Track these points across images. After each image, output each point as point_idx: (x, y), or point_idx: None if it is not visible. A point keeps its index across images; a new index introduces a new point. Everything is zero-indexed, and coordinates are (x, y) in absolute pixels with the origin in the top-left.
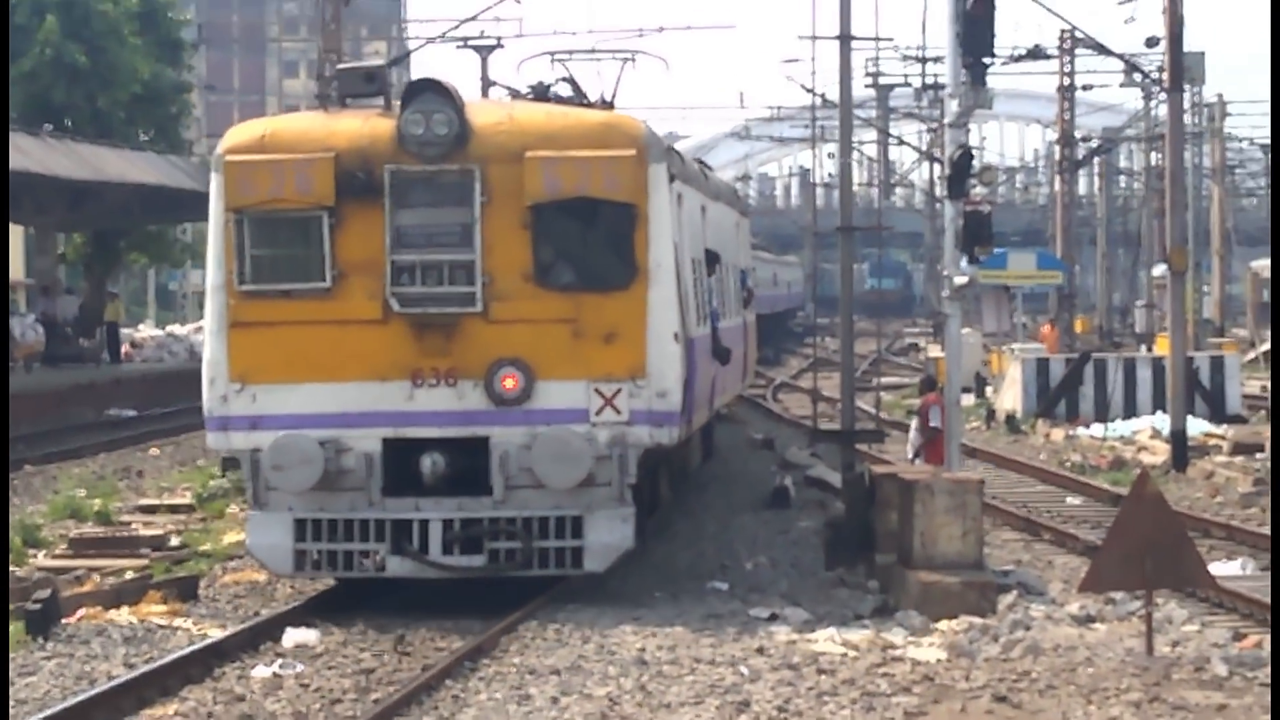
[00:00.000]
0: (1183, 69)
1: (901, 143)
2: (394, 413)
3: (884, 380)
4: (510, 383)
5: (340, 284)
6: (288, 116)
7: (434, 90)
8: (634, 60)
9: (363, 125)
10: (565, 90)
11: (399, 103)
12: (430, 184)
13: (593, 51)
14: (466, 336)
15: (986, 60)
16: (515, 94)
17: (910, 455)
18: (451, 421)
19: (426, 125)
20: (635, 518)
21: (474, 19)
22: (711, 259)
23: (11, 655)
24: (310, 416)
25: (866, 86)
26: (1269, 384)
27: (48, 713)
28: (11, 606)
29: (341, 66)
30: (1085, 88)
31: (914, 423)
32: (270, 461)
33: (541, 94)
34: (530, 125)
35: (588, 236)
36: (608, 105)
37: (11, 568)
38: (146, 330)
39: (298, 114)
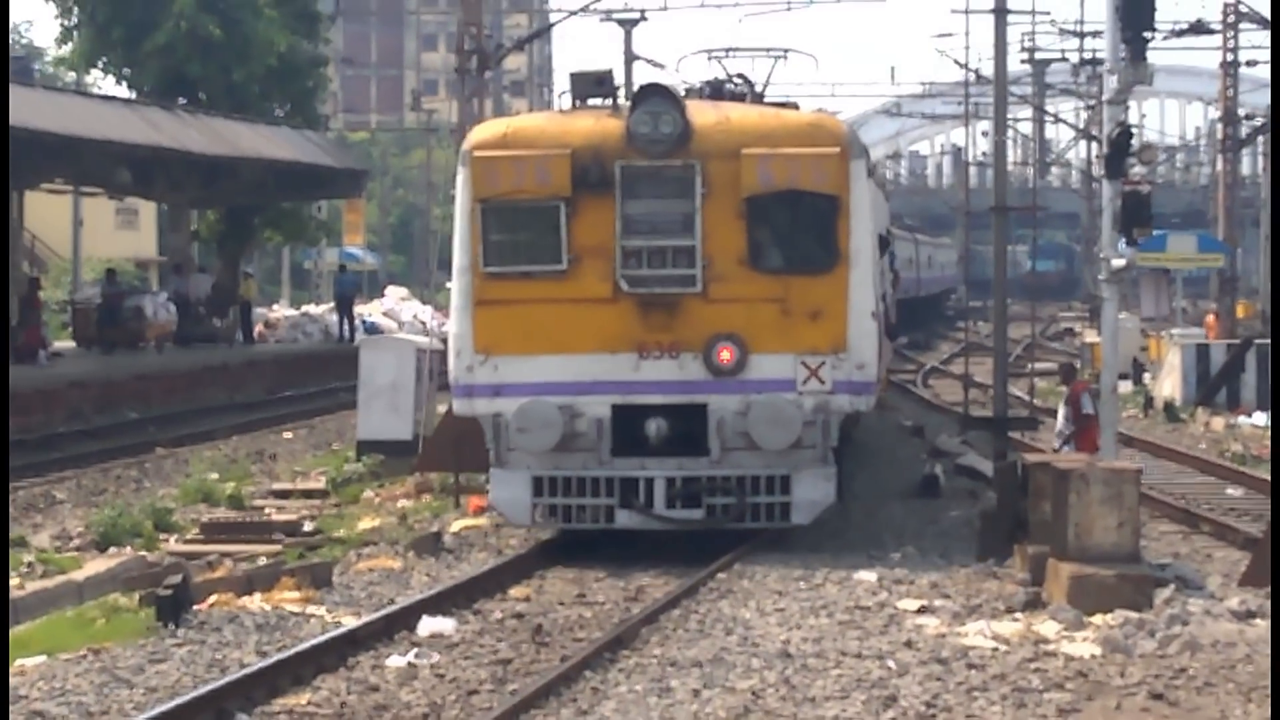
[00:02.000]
0: None
1: (1058, 120)
2: (622, 382)
3: (1038, 366)
4: (726, 355)
5: (575, 266)
6: (527, 116)
7: (660, 94)
8: (786, 57)
9: (595, 124)
10: (735, 84)
11: (627, 103)
12: (656, 177)
13: (747, 50)
14: (687, 314)
15: (1147, 35)
16: (656, 65)
17: (1057, 444)
18: (673, 390)
19: (654, 125)
20: (836, 477)
21: None
22: (883, 243)
23: (141, 642)
24: (548, 384)
25: (1022, 62)
26: None
27: (179, 701)
28: (142, 592)
29: (574, 71)
30: (1250, 63)
31: (1061, 411)
32: (515, 424)
33: (717, 89)
34: (745, 125)
35: (795, 225)
36: (759, 97)
37: (143, 553)
38: (281, 310)
39: (535, 114)
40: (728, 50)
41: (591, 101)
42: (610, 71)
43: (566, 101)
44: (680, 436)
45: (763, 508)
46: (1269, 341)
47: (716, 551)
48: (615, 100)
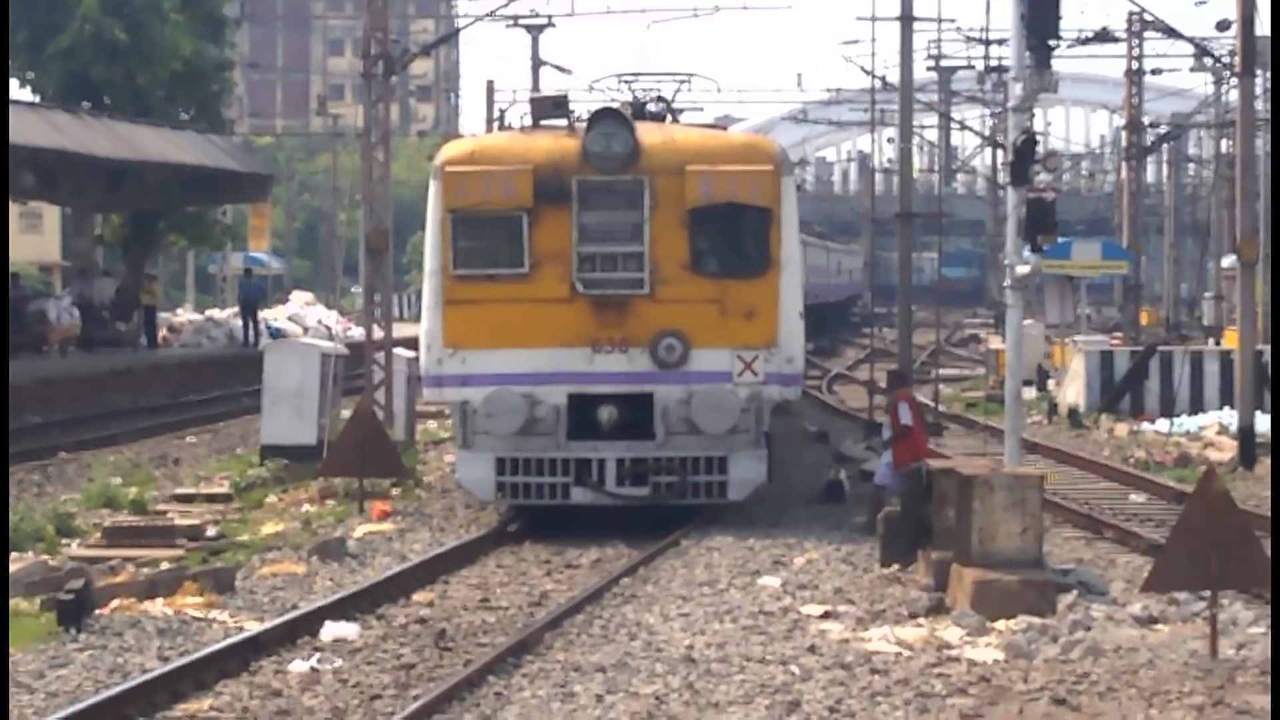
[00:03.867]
0: (1255, 53)
1: (964, 127)
2: (578, 373)
3: (943, 372)
4: (670, 350)
5: (536, 270)
6: (491, 136)
7: (612, 116)
8: (689, 81)
9: (554, 143)
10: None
11: (583, 124)
12: (609, 191)
13: (655, 75)
14: (636, 313)
15: (1052, 43)
16: (563, 71)
17: (881, 454)
18: (623, 380)
19: (607, 144)
20: (767, 459)
21: None
22: None
23: (42, 647)
24: (511, 375)
25: (928, 69)
26: None
27: (79, 706)
28: (44, 597)
29: (533, 96)
30: (1154, 72)
31: (885, 420)
32: (483, 410)
33: (639, 109)
34: (688, 144)
35: (733, 234)
36: (675, 115)
37: (44, 557)
38: (185, 314)
39: (499, 134)
40: (636, 74)
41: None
42: (566, 95)
43: (468, 108)
44: (629, 422)
45: (702, 485)
46: (1171, 348)
47: (660, 527)
48: (570, 121)
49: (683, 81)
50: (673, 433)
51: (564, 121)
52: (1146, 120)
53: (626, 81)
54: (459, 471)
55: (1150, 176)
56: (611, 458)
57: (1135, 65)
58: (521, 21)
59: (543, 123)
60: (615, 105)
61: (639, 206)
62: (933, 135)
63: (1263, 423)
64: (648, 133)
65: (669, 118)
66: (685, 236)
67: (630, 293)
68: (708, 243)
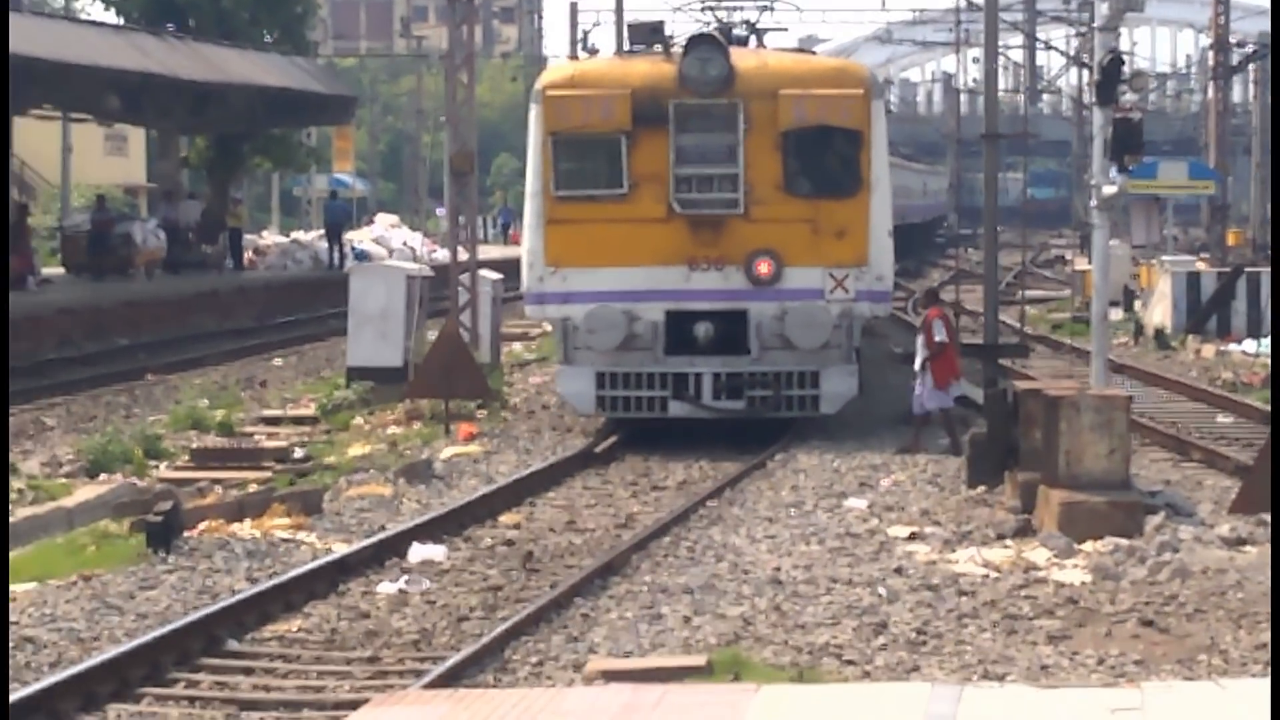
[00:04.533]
0: None
1: (1049, 47)
2: (674, 290)
3: (1029, 293)
4: (764, 268)
5: (634, 191)
6: (590, 60)
7: (708, 41)
8: (772, 8)
9: (651, 68)
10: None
11: (678, 49)
12: (704, 114)
13: (731, 10)
14: (731, 232)
15: None
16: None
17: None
18: (719, 298)
19: (703, 68)
20: (858, 373)
21: None
22: None
23: (132, 569)
24: (610, 293)
25: None
26: None
27: (169, 627)
28: (132, 519)
29: (631, 22)
30: None
31: (919, 339)
32: (584, 327)
33: (726, 33)
34: (782, 69)
35: (825, 155)
36: (759, 37)
37: (132, 479)
38: (270, 237)
39: (597, 58)
40: (720, 2)
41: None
42: (662, 22)
43: (552, 30)
44: (725, 338)
45: (796, 399)
46: (1259, 269)
47: (755, 442)
48: (667, 46)
49: (765, 8)
50: (767, 348)
51: (660, 47)
52: (1233, 39)
53: (710, 7)
54: (560, 385)
55: (1237, 96)
56: (708, 372)
57: None
58: None
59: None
60: (711, 31)
61: (734, 129)
62: (1018, 55)
63: None
64: (742, 57)
65: (753, 41)
66: (778, 158)
67: (725, 212)
68: (800, 164)
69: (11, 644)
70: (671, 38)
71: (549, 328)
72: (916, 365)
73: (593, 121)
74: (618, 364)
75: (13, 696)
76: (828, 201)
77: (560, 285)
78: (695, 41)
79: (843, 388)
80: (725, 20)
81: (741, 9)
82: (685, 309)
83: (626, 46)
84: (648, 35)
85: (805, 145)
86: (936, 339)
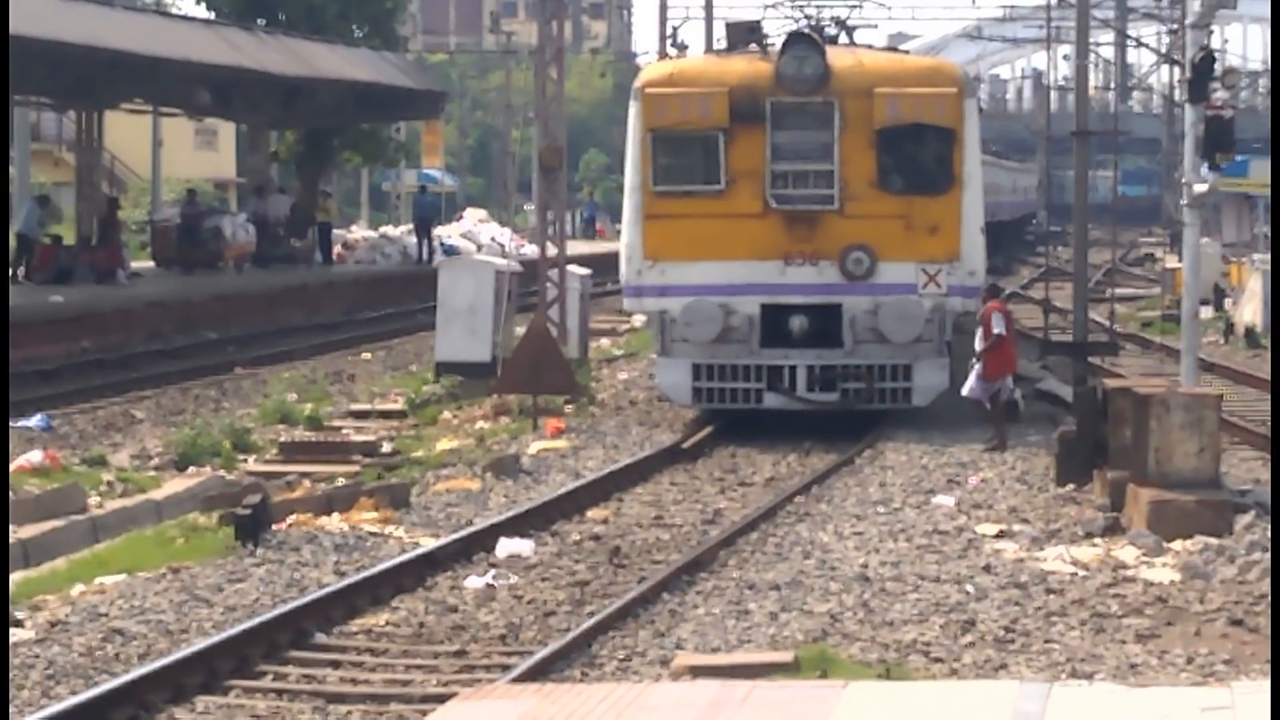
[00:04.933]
0: None
1: (1140, 44)
2: (770, 284)
3: (1119, 291)
4: (859, 263)
5: (731, 186)
6: (689, 59)
7: (805, 40)
8: (861, 5)
9: (748, 66)
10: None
11: (775, 48)
12: (800, 112)
13: (820, 7)
14: (825, 227)
15: None
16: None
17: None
18: (813, 292)
19: (799, 67)
20: (949, 366)
21: None
22: None
23: (220, 561)
24: (707, 286)
25: None
26: None
27: (258, 620)
28: (221, 512)
29: (729, 21)
30: None
31: (979, 330)
32: (682, 319)
33: (818, 30)
34: (876, 67)
35: (918, 153)
36: (849, 34)
37: (221, 472)
38: (359, 231)
39: (695, 57)
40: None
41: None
42: (760, 21)
43: (641, 26)
44: (819, 331)
45: (888, 391)
46: None
47: (847, 434)
48: (764, 44)
49: (855, 5)
50: (860, 341)
51: (757, 45)
52: None
53: (800, 5)
54: (657, 377)
55: None
56: (802, 365)
57: None
58: None
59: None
60: (807, 30)
61: (829, 126)
62: (1108, 52)
63: None
64: (838, 56)
65: (843, 37)
66: (873, 155)
67: (820, 208)
68: (894, 161)
69: (101, 636)
70: (766, 36)
71: (637, 323)
72: (974, 356)
73: (691, 119)
74: (714, 356)
75: (103, 687)
76: (921, 198)
77: (658, 278)
78: (792, 40)
79: (935, 381)
80: (815, 18)
81: (831, 6)
82: (780, 302)
83: (722, 45)
84: (744, 34)
85: (899, 143)
86: (995, 330)
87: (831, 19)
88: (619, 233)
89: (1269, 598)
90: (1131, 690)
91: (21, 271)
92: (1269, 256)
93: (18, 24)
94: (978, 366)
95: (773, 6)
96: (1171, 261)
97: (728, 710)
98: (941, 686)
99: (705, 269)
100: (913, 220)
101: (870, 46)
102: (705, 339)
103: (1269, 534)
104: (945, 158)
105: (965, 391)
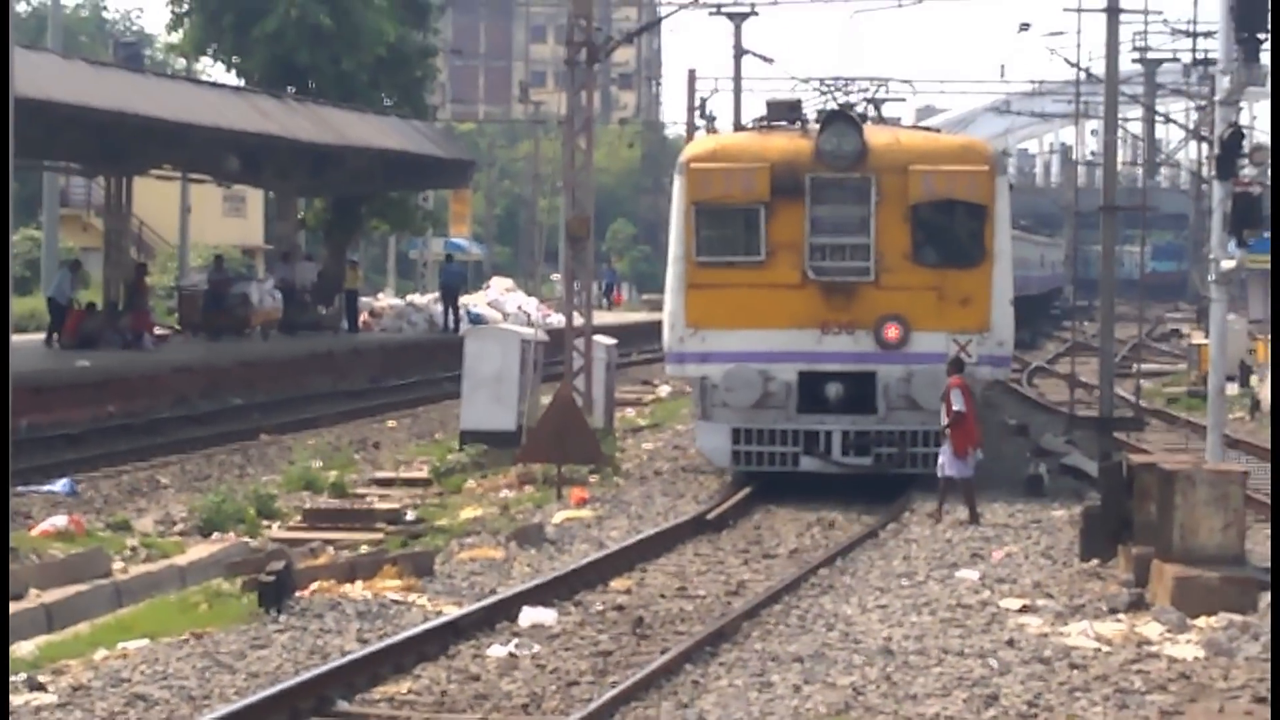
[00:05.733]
0: None
1: (1168, 120)
2: (807, 352)
3: (1144, 367)
4: (893, 332)
5: (771, 258)
6: (731, 135)
7: (843, 119)
8: (886, 86)
9: (789, 143)
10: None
11: (814, 126)
12: (839, 187)
13: (848, 83)
14: (861, 298)
15: (1261, 35)
16: (765, 60)
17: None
18: (849, 360)
19: (838, 144)
20: (980, 434)
21: None
22: None
23: (244, 627)
24: (747, 354)
25: (1133, 61)
26: None
27: (280, 687)
28: (245, 578)
29: (770, 100)
30: None
31: (941, 408)
32: (723, 385)
33: (847, 109)
34: (912, 145)
35: (951, 228)
36: (879, 110)
37: (245, 538)
38: (386, 299)
39: (738, 133)
40: (835, 82)
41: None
42: (800, 101)
43: (669, 96)
44: (854, 398)
45: (920, 456)
46: None
47: (878, 496)
48: (803, 123)
49: (880, 85)
50: (893, 408)
51: (795, 123)
52: None
53: (828, 89)
54: (698, 440)
55: None
56: (838, 430)
57: None
58: (725, 9)
59: (762, 123)
60: (846, 109)
61: (866, 201)
62: (1137, 128)
63: None
64: (874, 134)
65: (870, 110)
66: (907, 229)
67: (857, 279)
68: (927, 235)
69: (124, 701)
70: (804, 115)
71: (663, 394)
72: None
73: (733, 192)
74: (753, 421)
75: None
76: (953, 271)
77: (699, 345)
78: (832, 118)
79: None
80: (846, 91)
81: (859, 82)
82: (817, 370)
83: (762, 120)
84: (785, 112)
85: (933, 218)
86: (955, 408)
87: (862, 97)
88: (642, 301)
89: None
90: None
91: (55, 337)
92: None
93: (49, 89)
94: (946, 445)
95: (804, 83)
96: (1198, 337)
97: None
98: None
99: (745, 336)
100: (945, 292)
101: (899, 121)
102: (745, 404)
103: None
104: (977, 232)
105: (944, 472)
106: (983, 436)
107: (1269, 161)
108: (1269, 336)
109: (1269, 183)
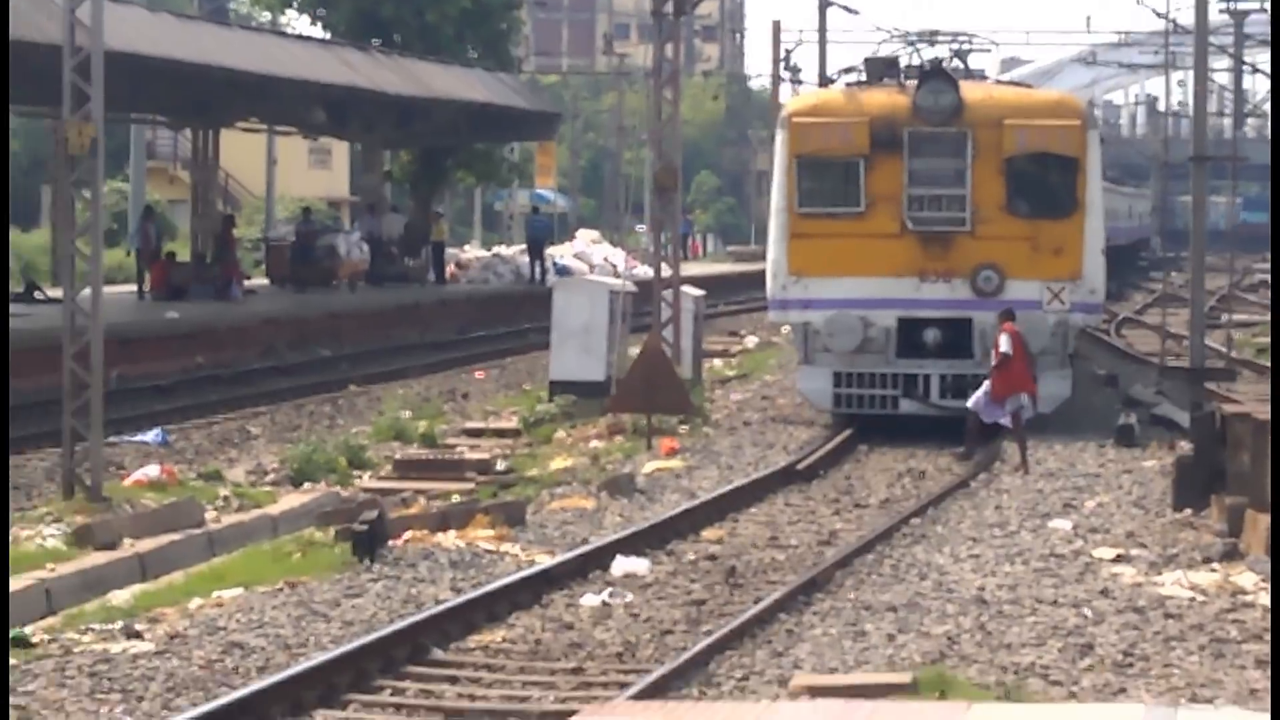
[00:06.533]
0: None
1: (1255, 71)
2: (906, 299)
3: (1235, 317)
4: (989, 280)
5: (870, 209)
6: (831, 90)
7: (940, 75)
8: (971, 40)
9: (887, 98)
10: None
11: (912, 82)
12: (935, 141)
13: (934, 36)
14: (958, 248)
15: None
16: (850, 11)
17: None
18: (946, 307)
19: (935, 100)
20: (1071, 377)
21: None
22: None
23: (338, 577)
24: (848, 300)
25: (1221, 11)
26: None
27: (376, 635)
28: (338, 528)
29: (868, 57)
30: None
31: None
32: (824, 331)
33: (938, 66)
34: (1006, 100)
35: (1044, 180)
36: (966, 65)
37: (337, 488)
38: (472, 251)
39: (837, 89)
40: (920, 35)
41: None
42: (898, 58)
43: (753, 48)
44: (951, 343)
45: None
46: None
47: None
48: (901, 79)
49: (967, 39)
50: (989, 353)
51: (894, 80)
52: None
53: (911, 41)
54: (800, 383)
55: None
56: (935, 374)
57: None
58: None
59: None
60: (938, 64)
61: (962, 155)
62: (1224, 79)
63: None
64: (970, 90)
65: (955, 62)
66: (1002, 182)
67: (953, 230)
68: (1021, 187)
69: (220, 649)
70: (902, 72)
71: (750, 345)
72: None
73: (834, 146)
74: (853, 365)
75: (222, 700)
76: (1046, 221)
77: (802, 293)
78: (929, 75)
79: (1058, 390)
80: (933, 42)
81: (945, 40)
82: (915, 316)
83: (851, 71)
84: (884, 69)
85: (1026, 170)
86: (1002, 350)
87: (950, 50)
88: (727, 253)
89: None
90: (1256, 715)
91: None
92: None
93: (136, 42)
94: (986, 384)
95: (890, 36)
96: None
97: None
98: (1066, 709)
99: (846, 284)
100: (1039, 242)
101: (984, 73)
102: (846, 349)
103: None
104: (1069, 184)
105: (970, 404)
106: (1036, 388)
107: None
108: None
109: None
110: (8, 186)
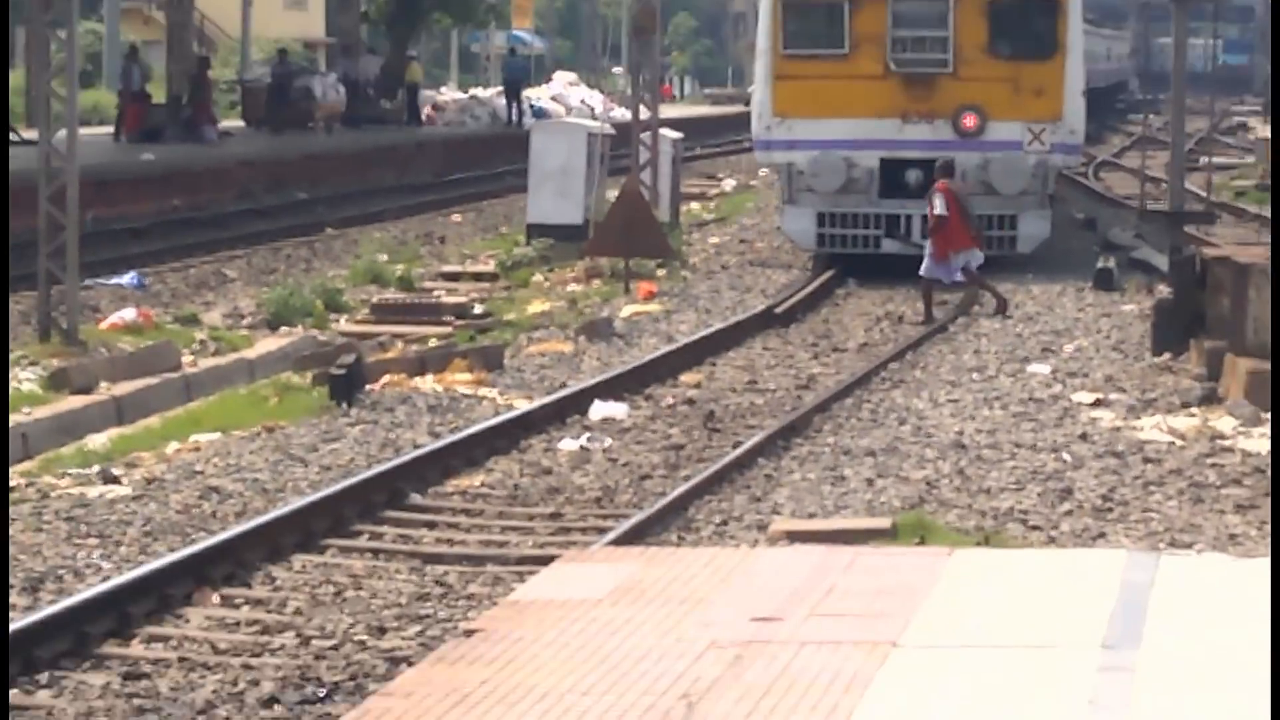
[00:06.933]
0: None
1: None
2: (888, 140)
3: (1215, 160)
4: (970, 121)
5: (854, 51)
6: None
7: None
8: None
9: None
10: None
11: None
12: None
13: None
14: (940, 89)
15: None
16: None
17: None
18: (928, 147)
19: None
20: (1050, 218)
21: None
22: None
23: (314, 421)
24: (831, 141)
25: None
26: None
27: (353, 480)
28: (315, 371)
29: None
30: None
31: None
32: (808, 171)
33: None
34: None
35: (1025, 22)
36: None
37: (314, 332)
38: (449, 93)
39: None
40: None
41: None
42: None
43: None
44: (933, 183)
45: (995, 239)
46: None
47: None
48: None
49: None
50: (970, 194)
51: None
52: None
53: None
54: (784, 224)
55: None
56: (917, 214)
57: None
58: None
59: None
60: None
61: None
62: None
63: None
64: None
65: None
66: (984, 24)
67: (936, 71)
68: (1003, 29)
69: (197, 493)
70: None
71: (728, 188)
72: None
73: None
74: (836, 205)
75: (200, 545)
76: (1027, 63)
77: (786, 134)
78: None
79: (1037, 230)
80: None
81: None
82: (898, 157)
83: None
84: None
85: (1008, 12)
86: (936, 212)
87: None
88: (704, 95)
89: None
90: (1239, 561)
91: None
92: None
93: None
94: (928, 247)
95: None
96: (1264, 130)
97: (832, 576)
98: (1049, 555)
99: (829, 125)
100: (1020, 83)
101: None
102: (829, 189)
103: None
104: (1050, 26)
105: (922, 271)
106: (978, 242)
107: None
108: None
109: None
110: (7, 194)
